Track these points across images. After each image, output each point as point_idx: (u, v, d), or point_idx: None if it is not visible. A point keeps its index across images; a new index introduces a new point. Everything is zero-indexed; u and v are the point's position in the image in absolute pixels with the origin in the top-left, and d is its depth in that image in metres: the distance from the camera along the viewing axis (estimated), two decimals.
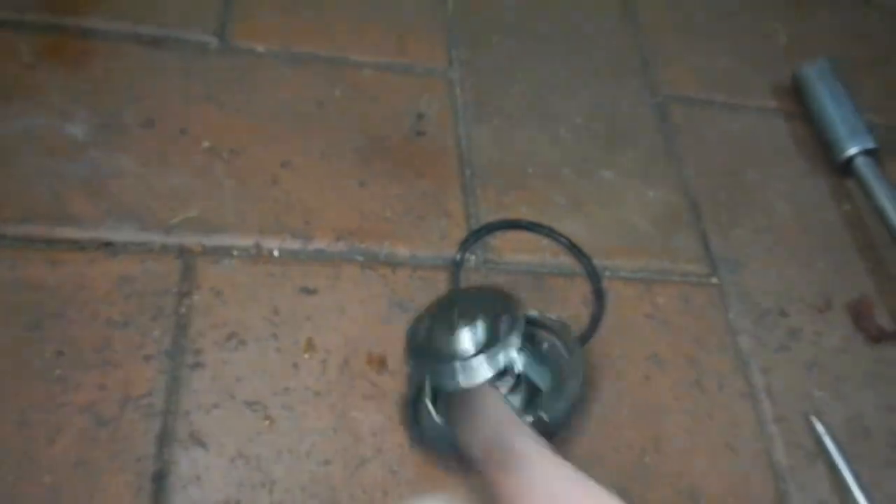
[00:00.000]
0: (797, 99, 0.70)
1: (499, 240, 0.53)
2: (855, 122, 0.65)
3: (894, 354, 0.56)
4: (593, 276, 0.53)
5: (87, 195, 0.47)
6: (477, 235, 0.53)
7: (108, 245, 0.45)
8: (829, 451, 0.50)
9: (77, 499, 0.38)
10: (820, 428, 0.51)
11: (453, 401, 0.40)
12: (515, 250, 0.53)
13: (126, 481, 0.38)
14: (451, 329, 0.40)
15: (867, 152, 0.64)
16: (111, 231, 0.46)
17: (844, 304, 0.58)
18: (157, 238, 0.47)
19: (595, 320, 0.51)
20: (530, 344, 0.43)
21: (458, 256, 0.51)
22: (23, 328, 0.41)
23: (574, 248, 0.54)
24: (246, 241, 0.48)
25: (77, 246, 0.45)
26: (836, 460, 0.49)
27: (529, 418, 0.41)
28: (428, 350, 0.41)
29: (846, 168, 0.65)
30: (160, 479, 0.39)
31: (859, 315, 0.57)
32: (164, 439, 0.40)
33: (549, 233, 0.54)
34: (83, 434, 0.39)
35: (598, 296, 0.52)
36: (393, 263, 0.50)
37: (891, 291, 0.59)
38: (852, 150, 0.64)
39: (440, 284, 0.50)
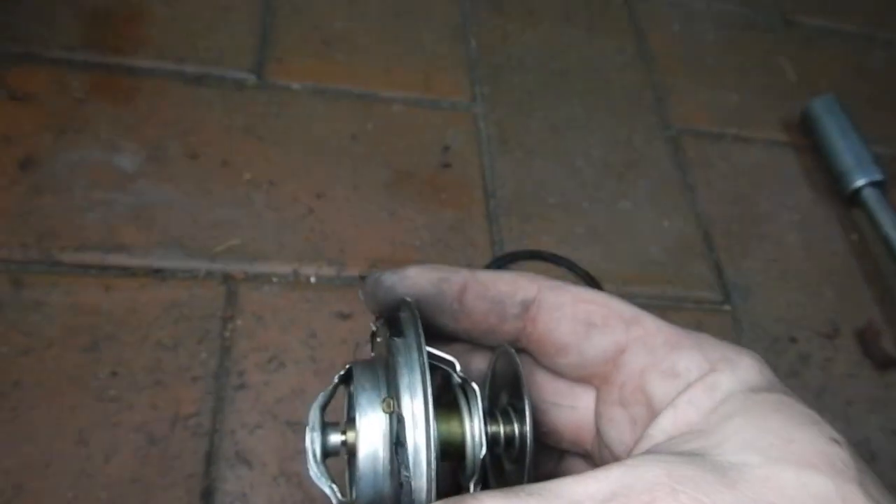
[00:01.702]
0: (806, 132, 0.73)
1: (521, 268, 0.56)
2: (862, 155, 0.68)
3: None
4: None
5: (137, 224, 0.50)
6: (499, 263, 0.55)
7: (157, 272, 0.48)
8: None
9: None
10: None
11: None
12: None
13: (176, 497, 0.41)
14: None
15: (874, 184, 0.66)
16: (160, 258, 0.49)
17: (852, 331, 0.60)
18: (202, 265, 0.49)
19: None
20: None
21: None
22: (80, 350, 0.44)
23: (592, 282, 0.56)
24: (285, 269, 0.51)
25: (128, 272, 0.48)
26: None
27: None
28: None
29: (854, 199, 0.67)
30: (208, 495, 0.41)
31: (867, 342, 0.60)
32: (212, 457, 0.43)
33: (569, 265, 0.57)
34: (137, 452, 0.42)
35: None
36: None
37: None
38: (860, 182, 0.66)
39: None
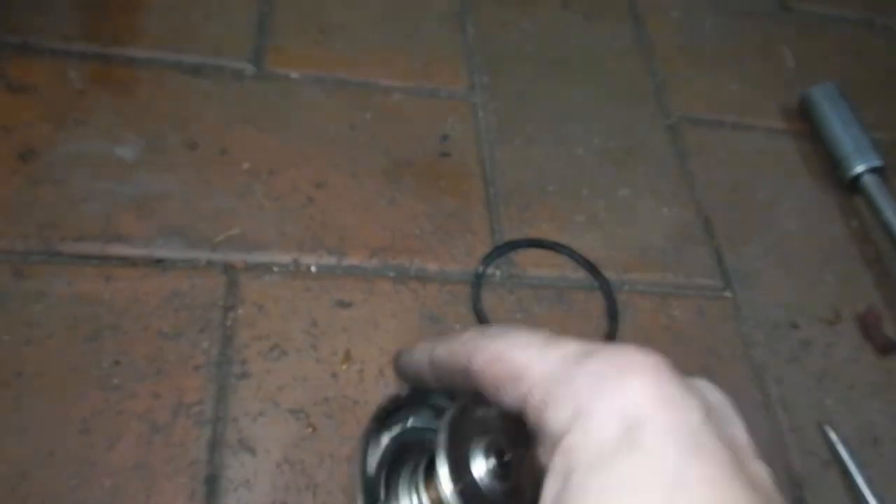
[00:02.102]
0: (805, 119, 0.73)
1: (522, 256, 0.56)
2: (861, 141, 0.68)
3: None
4: (609, 297, 0.55)
5: (137, 214, 0.50)
6: (500, 251, 0.55)
7: (158, 262, 0.48)
8: (842, 460, 0.52)
9: (135, 501, 0.40)
10: (833, 437, 0.53)
11: None
12: (538, 266, 0.56)
13: (181, 484, 0.41)
14: None
15: (874, 170, 0.66)
16: (160, 248, 0.49)
17: (853, 316, 0.60)
18: (203, 255, 0.49)
19: (609, 338, 0.54)
20: None
21: (480, 269, 0.54)
22: (82, 340, 0.44)
23: (592, 269, 0.56)
24: (285, 258, 0.51)
25: (129, 262, 0.48)
26: (850, 468, 0.51)
27: None
28: None
29: (853, 185, 0.67)
30: (212, 482, 0.41)
31: (868, 327, 0.60)
32: (215, 445, 0.43)
33: (569, 253, 0.57)
34: (140, 440, 0.42)
35: (612, 317, 0.55)
36: (423, 278, 0.53)
37: None
38: (859, 168, 0.66)
39: (467, 298, 0.52)
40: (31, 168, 0.50)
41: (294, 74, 0.61)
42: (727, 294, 0.59)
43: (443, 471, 0.31)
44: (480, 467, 0.33)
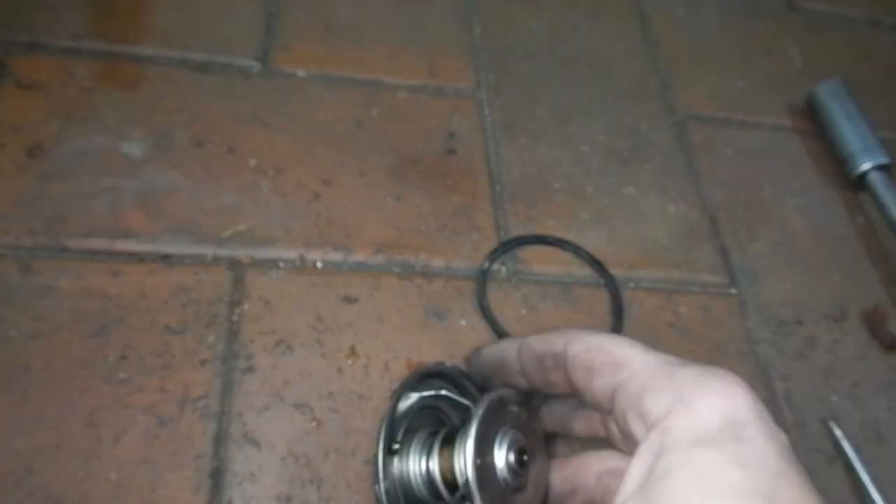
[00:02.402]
0: (811, 117, 0.72)
1: (528, 252, 0.56)
2: (868, 139, 0.68)
3: None
4: (615, 293, 0.55)
5: (144, 211, 0.50)
6: (505, 248, 0.56)
7: (164, 257, 0.49)
8: (847, 456, 0.52)
9: (141, 494, 0.40)
10: (838, 433, 0.53)
11: None
12: (543, 262, 0.56)
13: (186, 477, 0.41)
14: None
15: (880, 167, 0.66)
16: (167, 244, 0.49)
17: (859, 313, 0.60)
18: (209, 251, 0.50)
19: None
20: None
21: (486, 265, 0.54)
22: (89, 334, 0.44)
23: (597, 266, 0.56)
24: (291, 254, 0.51)
25: (136, 258, 0.48)
26: (855, 464, 0.51)
27: None
28: None
29: (860, 183, 0.67)
30: (217, 475, 0.42)
31: (873, 324, 0.60)
32: (220, 439, 0.43)
33: (575, 250, 0.57)
34: (146, 433, 0.42)
35: (618, 313, 0.55)
36: (428, 274, 0.53)
37: None
38: (866, 166, 0.66)
39: (472, 294, 0.53)
40: (40, 164, 0.51)
41: (301, 72, 0.61)
42: (733, 291, 0.59)
43: (469, 443, 0.34)
44: (501, 456, 0.35)
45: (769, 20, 0.82)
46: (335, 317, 0.49)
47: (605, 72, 0.71)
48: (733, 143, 0.69)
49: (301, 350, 0.47)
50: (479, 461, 0.35)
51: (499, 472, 0.36)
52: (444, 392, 0.43)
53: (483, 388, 0.43)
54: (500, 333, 0.51)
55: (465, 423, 0.40)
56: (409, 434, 0.41)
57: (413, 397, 0.42)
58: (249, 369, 0.46)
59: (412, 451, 0.40)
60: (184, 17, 0.62)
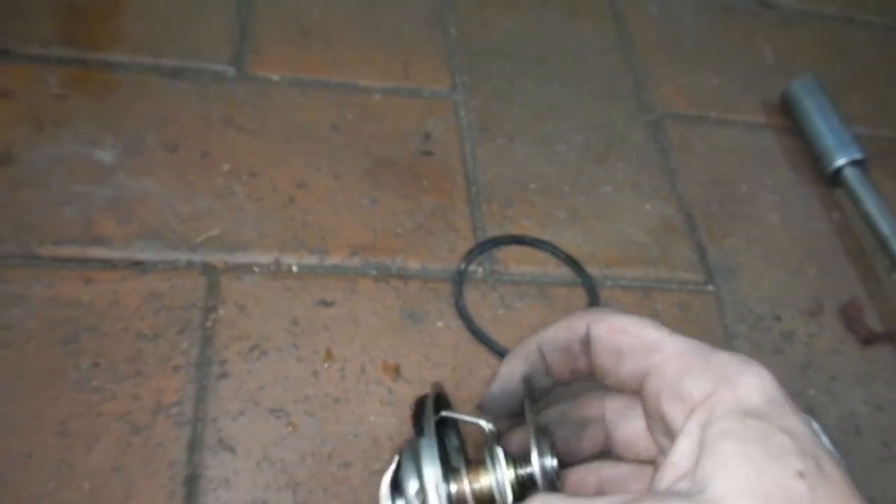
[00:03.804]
0: (786, 114, 0.73)
1: (504, 253, 0.56)
2: (842, 135, 0.68)
3: (884, 355, 0.58)
4: (592, 292, 0.56)
5: (116, 217, 0.50)
6: (482, 248, 0.56)
7: (137, 264, 0.48)
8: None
9: (114, 502, 0.40)
10: (816, 426, 0.53)
11: None
12: (520, 262, 0.56)
13: (160, 485, 0.41)
14: None
15: (854, 163, 0.67)
16: (139, 250, 0.49)
17: (835, 307, 0.61)
18: (182, 256, 0.49)
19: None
20: None
21: (462, 266, 0.54)
22: (60, 342, 0.44)
23: (574, 265, 0.57)
24: (266, 258, 0.51)
25: (108, 265, 0.48)
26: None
27: None
28: None
29: (835, 178, 0.67)
30: (191, 482, 0.41)
31: (849, 318, 0.60)
32: (195, 445, 0.43)
33: (551, 249, 0.57)
34: (119, 441, 0.42)
35: None
36: (404, 276, 0.53)
37: (880, 294, 0.62)
38: (840, 161, 0.67)
39: (449, 295, 0.52)
40: (9, 172, 0.50)
41: (275, 76, 0.61)
42: (710, 288, 0.59)
43: (536, 447, 0.34)
44: (547, 463, 0.34)
45: (743, 18, 0.83)
46: (311, 320, 0.49)
47: (580, 71, 0.71)
48: (708, 140, 0.69)
49: (276, 354, 0.47)
50: (548, 464, 0.34)
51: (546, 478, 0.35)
52: (444, 413, 0.39)
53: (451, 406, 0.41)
54: (477, 334, 0.51)
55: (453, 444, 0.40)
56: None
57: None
58: (224, 375, 0.45)
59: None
60: (156, 23, 0.62)
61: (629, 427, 0.38)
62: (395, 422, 0.46)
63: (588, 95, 0.69)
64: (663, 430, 0.33)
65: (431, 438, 0.35)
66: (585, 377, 0.38)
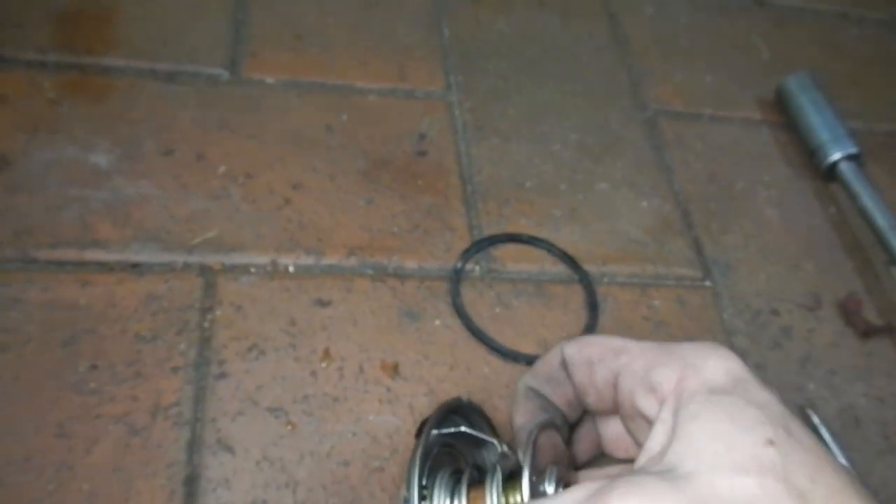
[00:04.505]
0: (781, 110, 0.73)
1: (501, 251, 0.56)
2: (837, 129, 0.68)
3: (882, 348, 0.58)
4: (589, 289, 0.56)
5: (112, 220, 0.50)
6: (478, 247, 0.56)
7: (134, 266, 0.48)
8: (825, 442, 0.52)
9: (114, 503, 0.40)
10: (816, 420, 0.53)
11: None
12: (517, 260, 0.56)
13: (159, 485, 0.41)
14: None
15: (850, 157, 0.67)
16: (137, 253, 0.49)
17: (833, 301, 0.61)
18: (179, 258, 0.49)
19: (589, 330, 0.54)
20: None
21: (458, 265, 0.54)
22: (58, 345, 0.44)
23: (571, 262, 0.57)
24: (263, 259, 0.51)
25: (105, 268, 0.48)
26: (833, 450, 0.51)
27: None
28: None
29: (830, 173, 0.68)
30: (191, 482, 0.41)
31: (848, 311, 0.60)
32: (194, 445, 0.43)
33: (548, 247, 0.57)
34: (118, 443, 0.42)
35: (592, 309, 0.55)
36: (401, 275, 0.53)
37: (878, 288, 0.62)
38: (836, 156, 0.67)
39: (446, 294, 0.53)
40: (5, 177, 0.50)
41: (270, 79, 0.62)
42: (707, 283, 0.59)
43: (525, 483, 0.34)
44: (552, 492, 0.35)
45: (737, 15, 0.83)
46: (308, 320, 0.49)
47: (575, 70, 0.71)
48: (704, 137, 0.70)
49: (274, 354, 0.47)
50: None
51: None
52: (463, 429, 0.40)
53: (492, 423, 0.42)
54: (475, 332, 0.51)
55: (483, 461, 0.40)
56: (431, 475, 0.38)
57: (432, 434, 0.40)
58: (222, 375, 0.46)
59: (436, 493, 0.38)
60: (151, 27, 0.62)
61: (616, 426, 0.38)
62: (394, 420, 0.46)
63: (583, 94, 0.69)
64: (643, 427, 0.34)
65: (414, 464, 0.36)
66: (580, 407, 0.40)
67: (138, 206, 0.51)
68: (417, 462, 0.36)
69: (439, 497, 0.37)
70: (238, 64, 0.62)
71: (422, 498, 0.36)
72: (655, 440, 0.31)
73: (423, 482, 0.37)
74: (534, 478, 0.35)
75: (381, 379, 0.48)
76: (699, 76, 0.75)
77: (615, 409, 0.37)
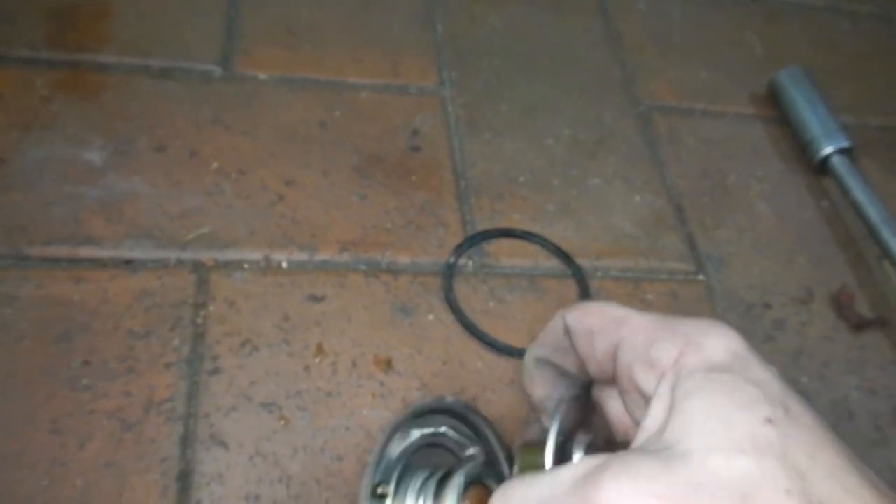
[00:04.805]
0: (773, 105, 0.73)
1: (494, 246, 0.56)
2: (829, 123, 0.68)
3: (875, 341, 0.58)
4: (582, 283, 0.56)
5: (105, 217, 0.50)
6: (471, 242, 0.56)
7: (127, 262, 0.48)
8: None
9: (107, 499, 0.40)
10: None
11: None
12: (510, 255, 0.56)
13: (153, 481, 0.41)
14: None
15: (842, 151, 0.67)
16: (129, 249, 0.49)
17: (826, 295, 0.61)
18: (172, 254, 0.50)
19: None
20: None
21: (452, 260, 0.54)
22: (51, 341, 0.44)
23: (564, 257, 0.57)
24: (256, 255, 0.51)
25: (98, 264, 0.48)
26: None
27: None
28: None
29: (822, 167, 0.68)
30: (184, 477, 0.41)
31: (840, 305, 0.60)
32: (187, 441, 0.43)
33: (541, 241, 0.57)
34: (111, 438, 0.42)
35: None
36: (394, 271, 0.53)
37: (870, 281, 0.62)
38: (828, 150, 0.67)
39: (439, 289, 0.53)
40: None
41: (262, 76, 0.62)
42: (700, 277, 0.59)
43: (549, 451, 0.33)
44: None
45: (731, 11, 0.83)
46: (301, 316, 0.49)
47: (568, 66, 0.71)
48: (697, 132, 0.70)
49: (267, 350, 0.47)
50: None
51: None
52: (443, 429, 0.41)
53: (488, 420, 0.42)
54: (469, 327, 0.51)
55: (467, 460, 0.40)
56: (408, 473, 0.39)
57: (414, 434, 0.41)
58: (215, 371, 0.46)
59: (409, 494, 0.38)
60: (144, 24, 0.62)
61: (617, 405, 0.38)
62: (387, 414, 0.46)
63: (576, 90, 0.70)
64: (639, 403, 0.34)
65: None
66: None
67: (131, 203, 0.51)
68: (372, 461, 0.37)
69: (403, 497, 0.38)
70: (231, 60, 0.62)
71: (379, 496, 0.37)
72: (653, 417, 0.30)
73: (392, 480, 0.38)
74: (559, 446, 0.34)
75: (375, 374, 0.48)
76: (692, 71, 0.75)
77: (614, 383, 0.37)
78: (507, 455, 0.42)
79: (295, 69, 0.63)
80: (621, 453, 0.28)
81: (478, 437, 0.42)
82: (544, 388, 0.39)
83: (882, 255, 0.62)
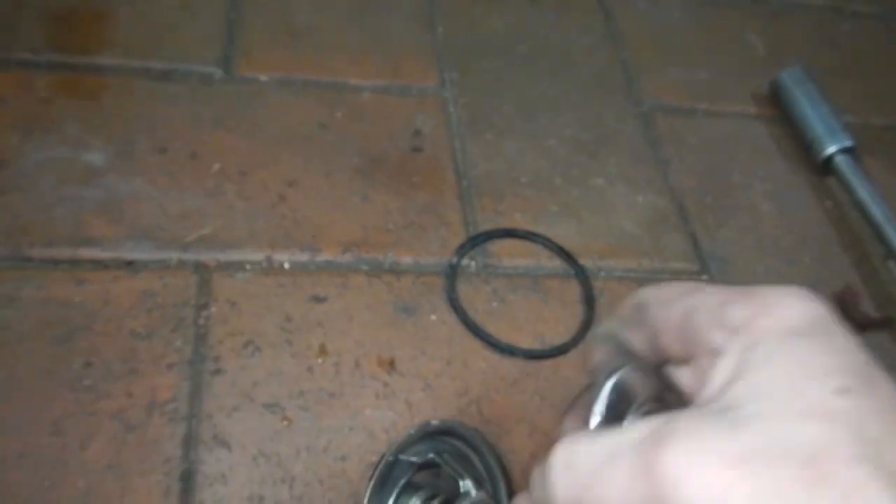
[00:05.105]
0: (775, 104, 0.73)
1: (496, 246, 0.56)
2: (832, 123, 0.68)
3: (879, 340, 0.58)
4: (585, 283, 0.55)
5: (107, 218, 0.50)
6: (474, 242, 0.56)
7: (129, 263, 0.48)
8: None
9: (109, 500, 0.40)
10: None
11: None
12: (513, 255, 0.56)
13: (155, 482, 0.41)
14: None
15: (845, 150, 0.67)
16: (131, 250, 0.49)
17: (830, 294, 0.61)
18: (174, 255, 0.49)
19: (586, 324, 0.53)
20: None
21: (454, 260, 0.54)
22: (53, 343, 0.44)
23: (567, 257, 0.57)
24: (258, 256, 0.51)
25: (100, 265, 0.48)
26: None
27: None
28: None
29: (826, 167, 0.68)
30: (187, 478, 0.41)
31: (846, 305, 0.60)
32: (190, 441, 0.42)
33: (544, 242, 0.57)
34: (113, 439, 0.42)
35: (589, 304, 0.55)
36: (397, 271, 0.53)
37: (875, 281, 0.62)
38: (831, 149, 0.67)
39: (442, 289, 0.52)
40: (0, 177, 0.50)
41: (263, 77, 0.62)
42: (704, 277, 0.59)
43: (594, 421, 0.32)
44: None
45: (732, 11, 0.83)
46: (304, 316, 0.49)
47: (569, 66, 0.71)
48: (699, 132, 0.70)
49: (270, 350, 0.47)
50: None
51: None
52: (446, 452, 0.40)
53: (490, 444, 0.42)
54: (471, 327, 0.51)
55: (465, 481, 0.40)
56: (405, 497, 0.39)
57: (413, 457, 0.40)
58: (218, 371, 0.45)
59: None
60: (144, 27, 0.62)
61: (687, 379, 0.38)
62: (390, 415, 0.46)
63: (578, 90, 0.70)
64: (710, 367, 0.34)
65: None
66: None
67: (132, 204, 0.51)
68: (369, 487, 0.38)
69: None
70: (231, 62, 0.62)
71: None
72: (720, 373, 0.29)
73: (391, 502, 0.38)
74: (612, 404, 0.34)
75: (378, 374, 0.48)
76: (694, 71, 0.75)
77: (687, 353, 0.37)
78: (500, 467, 0.42)
79: (296, 71, 0.63)
80: (685, 413, 0.27)
81: (473, 450, 0.42)
82: (604, 359, 0.38)
83: (886, 255, 0.62)
